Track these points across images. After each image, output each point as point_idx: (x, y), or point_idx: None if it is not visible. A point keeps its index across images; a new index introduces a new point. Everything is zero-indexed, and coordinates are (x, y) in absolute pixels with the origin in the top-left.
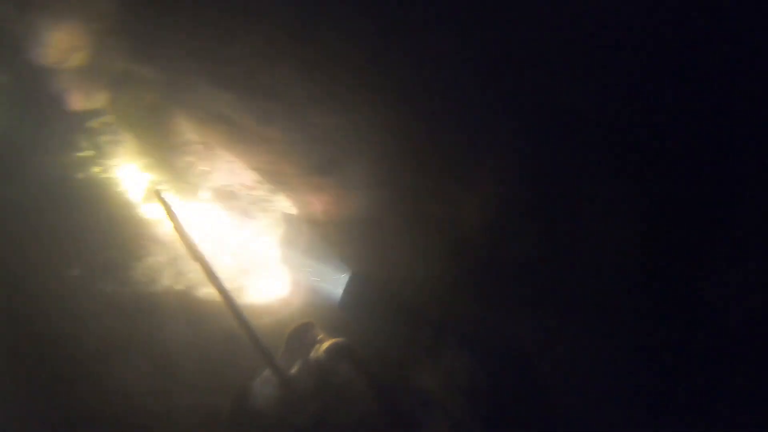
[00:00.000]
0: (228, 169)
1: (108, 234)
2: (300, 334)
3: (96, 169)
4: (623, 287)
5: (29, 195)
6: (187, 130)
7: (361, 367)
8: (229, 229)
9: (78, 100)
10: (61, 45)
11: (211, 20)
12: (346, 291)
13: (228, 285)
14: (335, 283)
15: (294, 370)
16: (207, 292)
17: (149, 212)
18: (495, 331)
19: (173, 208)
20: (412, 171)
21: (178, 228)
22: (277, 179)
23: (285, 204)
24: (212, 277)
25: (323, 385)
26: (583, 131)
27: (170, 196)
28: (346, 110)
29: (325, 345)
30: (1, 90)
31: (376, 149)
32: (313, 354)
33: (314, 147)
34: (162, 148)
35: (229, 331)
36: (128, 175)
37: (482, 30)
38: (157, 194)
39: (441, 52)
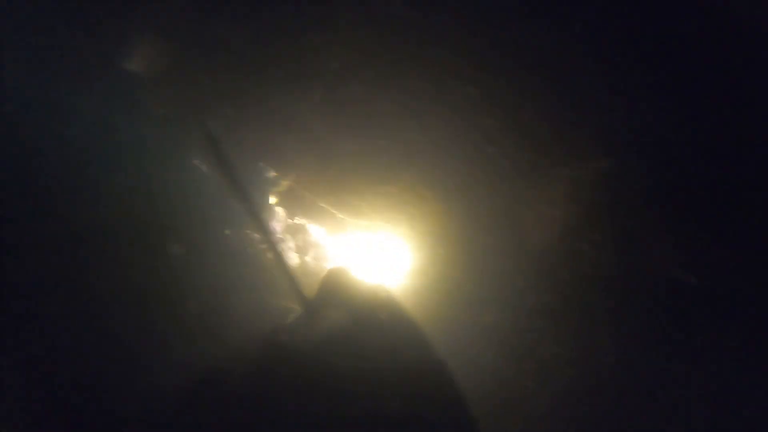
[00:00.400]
0: (297, 176)
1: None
2: (335, 279)
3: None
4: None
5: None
6: (262, 139)
7: (398, 312)
8: (293, 232)
9: (161, 107)
10: (147, 55)
11: (291, 34)
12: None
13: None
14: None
15: (328, 311)
16: None
17: None
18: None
19: (222, 147)
20: (486, 181)
21: (225, 167)
22: (345, 187)
23: (351, 211)
24: (255, 218)
25: (357, 327)
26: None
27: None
28: (419, 122)
29: (361, 289)
30: (98, 97)
31: (447, 161)
32: (347, 297)
33: (384, 157)
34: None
35: None
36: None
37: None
38: (204, 129)
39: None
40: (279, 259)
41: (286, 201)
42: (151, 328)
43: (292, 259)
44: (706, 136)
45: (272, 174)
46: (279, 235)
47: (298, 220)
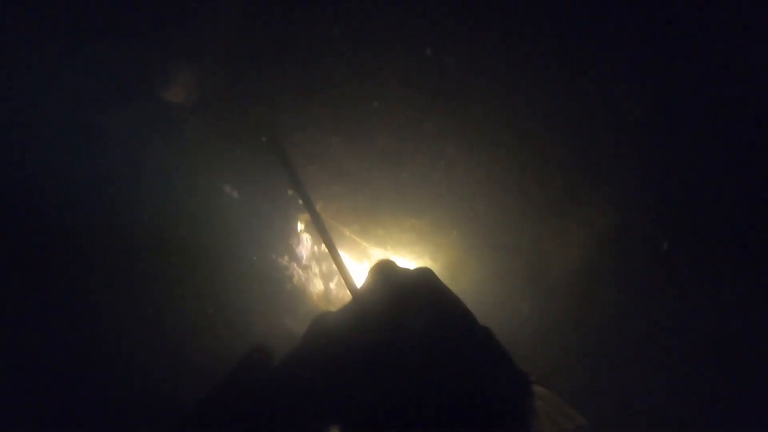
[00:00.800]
0: (324, 205)
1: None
2: (382, 268)
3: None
4: None
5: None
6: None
7: (442, 295)
8: (319, 259)
9: (196, 134)
10: (186, 85)
11: (323, 71)
12: None
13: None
14: None
15: (373, 296)
16: None
17: None
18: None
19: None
20: (509, 220)
21: (287, 166)
22: (370, 217)
23: (375, 241)
24: (312, 210)
25: (401, 310)
26: None
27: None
28: (447, 162)
29: (407, 275)
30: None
31: (473, 199)
32: (394, 283)
33: (411, 192)
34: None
35: None
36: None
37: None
38: (270, 125)
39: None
40: (330, 245)
41: (312, 228)
42: (178, 342)
43: (317, 285)
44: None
45: (301, 202)
46: (305, 261)
47: (324, 247)
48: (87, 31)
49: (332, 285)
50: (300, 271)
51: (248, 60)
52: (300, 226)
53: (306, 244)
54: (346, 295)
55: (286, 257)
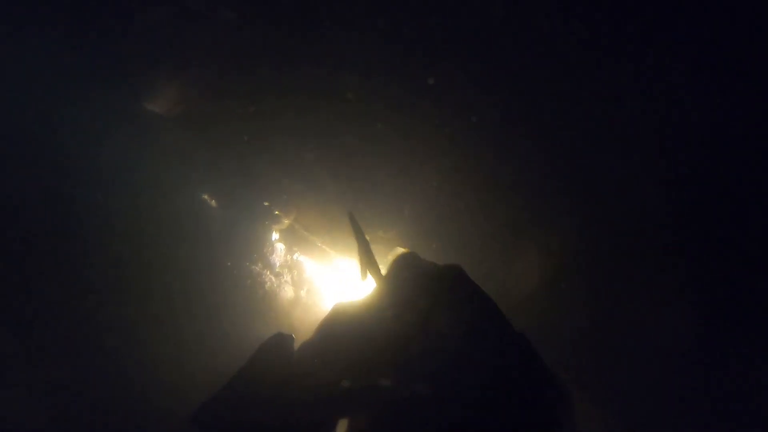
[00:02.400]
0: (297, 215)
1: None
2: (404, 261)
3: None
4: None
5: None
6: (269, 180)
7: (475, 293)
8: (291, 267)
9: (179, 146)
10: (171, 98)
11: (299, 94)
12: None
13: None
14: None
15: (400, 286)
16: None
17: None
18: None
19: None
20: (469, 231)
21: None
22: (340, 229)
23: (344, 251)
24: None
25: (430, 302)
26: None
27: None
28: (409, 175)
29: (432, 268)
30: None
31: (434, 210)
32: (421, 274)
33: (378, 207)
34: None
35: None
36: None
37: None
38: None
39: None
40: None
41: (286, 237)
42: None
43: (288, 292)
44: None
45: (276, 212)
46: (278, 269)
47: (297, 256)
48: (74, 37)
49: (303, 292)
50: (273, 278)
51: (231, 74)
52: (275, 235)
53: (279, 252)
54: (315, 302)
55: (260, 264)
